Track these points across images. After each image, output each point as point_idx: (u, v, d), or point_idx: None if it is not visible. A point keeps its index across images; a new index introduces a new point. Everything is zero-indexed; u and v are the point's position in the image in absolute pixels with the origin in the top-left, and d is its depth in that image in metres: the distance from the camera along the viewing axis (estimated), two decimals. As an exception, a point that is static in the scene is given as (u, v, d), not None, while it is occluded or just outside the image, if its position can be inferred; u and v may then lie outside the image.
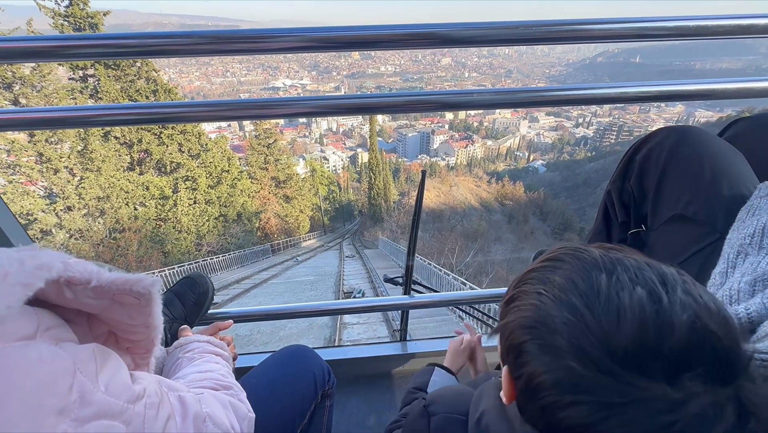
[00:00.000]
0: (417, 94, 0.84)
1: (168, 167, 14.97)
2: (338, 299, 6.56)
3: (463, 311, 3.70)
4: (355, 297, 6.49)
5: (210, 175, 16.46)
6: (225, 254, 13.53)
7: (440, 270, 7.32)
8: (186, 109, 0.83)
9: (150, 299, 0.34)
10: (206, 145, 16.51)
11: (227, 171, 17.30)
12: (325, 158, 65.02)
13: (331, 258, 14.65)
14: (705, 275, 0.57)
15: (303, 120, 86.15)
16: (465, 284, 6.41)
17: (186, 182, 15.32)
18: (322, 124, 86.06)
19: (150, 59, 12.56)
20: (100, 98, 12.96)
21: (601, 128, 77.42)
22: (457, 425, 0.42)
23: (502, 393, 0.39)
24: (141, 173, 14.62)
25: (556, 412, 0.30)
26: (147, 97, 14.14)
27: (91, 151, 12.29)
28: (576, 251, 0.36)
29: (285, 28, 0.73)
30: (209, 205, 16.12)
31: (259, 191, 21.05)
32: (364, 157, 57.50)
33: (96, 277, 0.29)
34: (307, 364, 0.80)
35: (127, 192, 13.36)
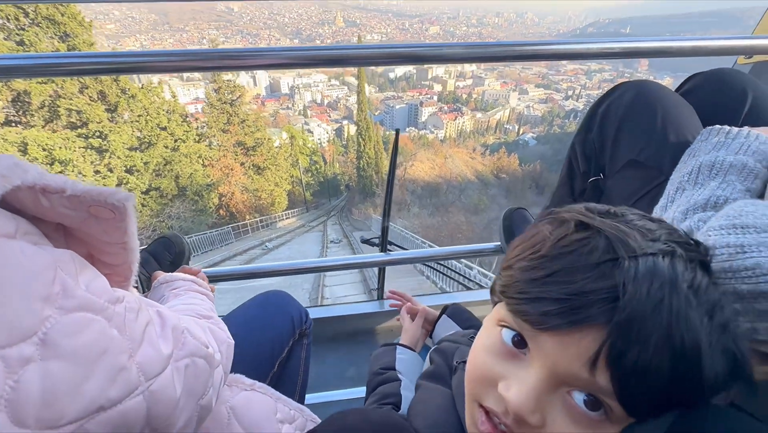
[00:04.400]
0: (389, 46, 0.86)
1: (64, 119, 10.90)
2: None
3: (432, 268, 4.25)
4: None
5: (141, 132, 12.34)
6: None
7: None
8: (153, 58, 0.80)
9: (125, 213, 0.35)
10: (129, 90, 12.06)
11: (164, 129, 12.98)
12: (309, 131, 61.74)
13: (310, 245, 11.79)
14: (652, 213, 0.65)
15: (286, 90, 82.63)
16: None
17: (93, 139, 11.29)
18: (306, 95, 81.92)
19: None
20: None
21: (591, 101, 76.30)
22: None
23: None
24: (24, 126, 10.62)
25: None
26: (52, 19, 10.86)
27: None
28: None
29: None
30: (133, 175, 12.18)
31: (219, 159, 17.26)
32: (350, 129, 55.75)
33: (71, 186, 0.30)
34: (285, 305, 0.83)
35: (-13, 154, 10.10)
